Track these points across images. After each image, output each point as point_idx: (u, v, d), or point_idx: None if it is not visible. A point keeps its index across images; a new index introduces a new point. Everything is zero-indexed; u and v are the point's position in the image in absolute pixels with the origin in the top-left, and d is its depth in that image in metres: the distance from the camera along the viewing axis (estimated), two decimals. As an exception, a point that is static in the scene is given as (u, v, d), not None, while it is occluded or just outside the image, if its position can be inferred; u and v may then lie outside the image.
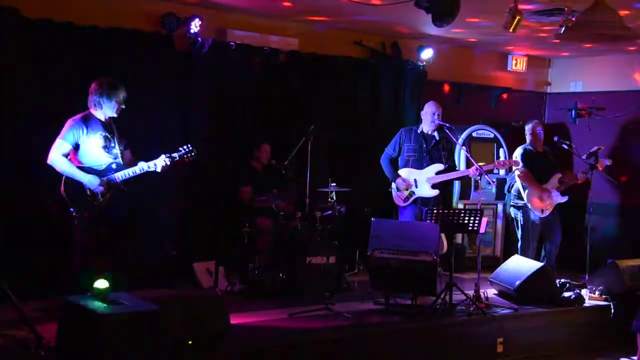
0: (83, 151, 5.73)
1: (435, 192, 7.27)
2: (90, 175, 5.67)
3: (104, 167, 5.77)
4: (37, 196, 6.37)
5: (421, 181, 7.23)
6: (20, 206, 6.41)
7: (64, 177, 5.68)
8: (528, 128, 8.13)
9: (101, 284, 4.80)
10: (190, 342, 4.89)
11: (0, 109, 6.30)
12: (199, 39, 7.31)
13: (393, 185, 7.37)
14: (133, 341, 4.46)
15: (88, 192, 5.68)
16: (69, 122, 5.71)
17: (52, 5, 6.57)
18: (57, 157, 5.65)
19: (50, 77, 6.53)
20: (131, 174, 5.80)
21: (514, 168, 8.03)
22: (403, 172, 7.31)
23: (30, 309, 5.46)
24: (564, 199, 7.95)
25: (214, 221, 7.51)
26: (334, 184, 7.43)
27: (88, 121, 5.74)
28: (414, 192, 7.23)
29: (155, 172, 5.85)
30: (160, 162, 5.81)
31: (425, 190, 7.24)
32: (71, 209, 5.68)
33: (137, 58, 7.00)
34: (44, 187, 6.19)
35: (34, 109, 6.45)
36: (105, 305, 4.57)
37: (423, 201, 7.24)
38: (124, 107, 5.80)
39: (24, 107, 6.43)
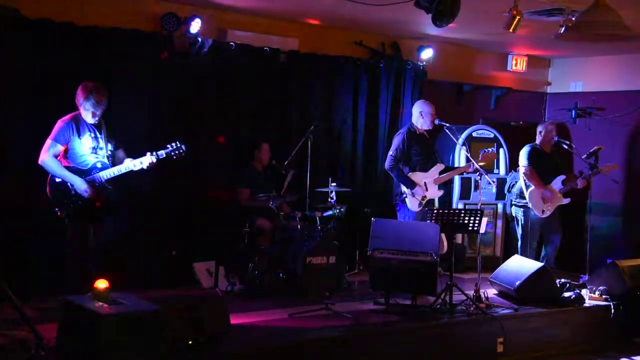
0: (71, 151, 5.79)
1: (441, 192, 7.36)
2: (79, 178, 5.71)
3: (89, 166, 5.81)
4: (36, 196, 6.37)
5: (429, 183, 7.24)
6: (20, 206, 6.41)
7: (49, 177, 5.74)
8: (542, 128, 8.07)
9: (101, 284, 4.81)
10: (190, 342, 4.90)
11: (0, 109, 6.30)
12: (199, 39, 7.31)
13: (407, 190, 7.27)
14: (133, 341, 4.46)
15: (73, 193, 5.72)
16: (59, 123, 5.77)
17: (52, 5, 6.58)
18: (48, 158, 5.72)
19: (50, 77, 6.53)
20: (116, 173, 5.84)
21: (519, 166, 8.02)
22: (414, 177, 7.29)
23: (30, 309, 5.46)
24: (566, 200, 7.94)
25: (214, 221, 7.51)
26: (334, 184, 7.43)
27: (77, 122, 5.80)
28: (426, 196, 7.24)
29: (142, 170, 5.86)
30: (146, 160, 5.82)
31: (434, 192, 7.26)
32: (56, 209, 5.72)
33: (137, 58, 7.00)
34: (43, 187, 6.19)
35: (33, 109, 6.45)
36: (105, 305, 4.58)
37: (430, 202, 7.23)
38: (94, 117, 5.79)
39: (24, 108, 6.43)
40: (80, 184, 5.70)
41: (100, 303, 4.60)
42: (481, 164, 7.15)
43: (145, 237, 7.06)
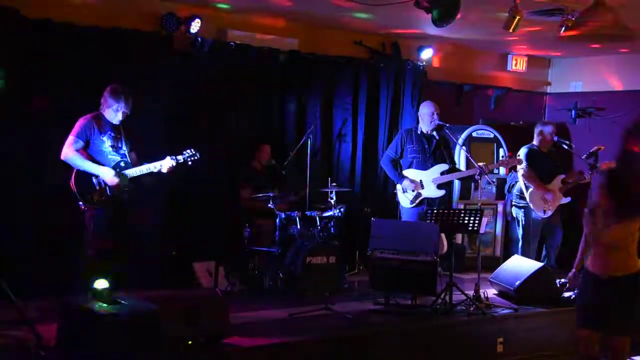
0: (93, 149, 5.85)
1: (442, 192, 7.31)
2: (106, 168, 5.79)
3: (112, 164, 5.88)
4: (37, 195, 6.38)
5: (427, 182, 7.23)
6: (21, 206, 6.41)
7: (74, 171, 5.77)
8: (539, 128, 8.08)
9: (101, 284, 4.81)
10: (190, 342, 4.90)
11: (1, 109, 6.31)
12: (199, 39, 7.31)
13: (398, 186, 7.32)
14: (133, 341, 4.46)
15: (97, 188, 5.77)
16: (81, 121, 5.85)
17: (52, 5, 6.58)
18: (70, 152, 5.78)
19: (50, 77, 6.53)
20: (138, 173, 5.95)
21: (518, 167, 8.03)
22: (408, 173, 7.29)
23: (30, 309, 5.46)
24: (567, 199, 7.94)
25: (214, 221, 7.51)
26: (334, 184, 7.43)
27: (98, 121, 5.88)
28: (420, 193, 7.23)
29: (160, 173, 5.97)
30: (166, 164, 5.95)
31: (432, 191, 7.24)
32: (80, 203, 5.75)
33: (137, 58, 7.00)
34: (44, 186, 6.20)
35: (33, 109, 6.45)
36: (105, 305, 4.58)
37: (429, 202, 7.24)
38: (122, 117, 5.90)
39: (23, 107, 6.43)
40: (108, 174, 5.78)
41: (100, 303, 4.61)
42: (481, 163, 7.14)
43: (146, 237, 7.05)
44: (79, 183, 5.77)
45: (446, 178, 7.30)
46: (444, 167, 7.29)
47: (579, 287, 5.46)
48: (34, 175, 6.38)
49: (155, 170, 5.96)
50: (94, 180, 5.79)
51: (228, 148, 7.74)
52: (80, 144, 5.79)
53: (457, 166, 7.66)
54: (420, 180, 7.23)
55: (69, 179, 5.79)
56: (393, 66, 8.84)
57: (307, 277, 6.80)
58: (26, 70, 6.43)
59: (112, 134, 5.90)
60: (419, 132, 7.37)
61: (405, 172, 7.30)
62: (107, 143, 5.86)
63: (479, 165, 6.94)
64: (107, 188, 5.80)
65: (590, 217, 5.17)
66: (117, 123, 5.92)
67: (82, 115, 5.92)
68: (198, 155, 6.08)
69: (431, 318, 6.29)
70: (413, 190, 7.22)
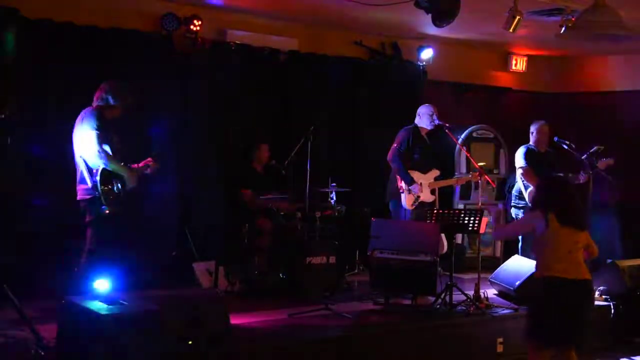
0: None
1: (433, 197, 7.38)
2: (128, 169, 5.65)
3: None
4: (37, 196, 6.38)
5: (424, 185, 7.26)
6: (21, 205, 6.41)
7: (99, 174, 5.50)
8: (534, 128, 8.09)
9: (101, 284, 4.82)
10: (190, 342, 4.89)
11: (1, 109, 6.31)
12: (199, 39, 7.31)
13: (404, 186, 7.30)
14: (133, 341, 4.46)
15: (117, 192, 5.60)
16: (89, 112, 5.61)
17: (52, 5, 6.59)
18: (100, 149, 5.50)
19: (50, 77, 6.53)
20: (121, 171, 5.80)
21: (516, 167, 8.03)
22: (412, 175, 7.29)
23: (30, 309, 5.46)
24: (565, 199, 7.93)
25: (214, 221, 7.50)
26: (334, 184, 7.43)
27: (99, 114, 5.69)
28: (419, 196, 7.26)
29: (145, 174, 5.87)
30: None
31: (427, 195, 7.29)
32: (103, 207, 5.65)
33: (137, 58, 7.01)
34: (44, 185, 6.20)
35: (33, 109, 6.45)
36: (105, 305, 4.58)
37: (423, 205, 7.25)
38: (126, 111, 5.82)
39: (23, 107, 6.43)
40: (131, 176, 5.65)
41: (100, 303, 4.61)
42: (481, 163, 7.17)
43: (146, 238, 7.05)
44: (105, 187, 5.50)
45: (438, 184, 7.37)
46: (437, 173, 7.35)
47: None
48: (34, 175, 6.38)
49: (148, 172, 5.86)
50: (114, 186, 5.58)
51: (228, 148, 7.75)
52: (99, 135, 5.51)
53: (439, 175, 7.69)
54: (420, 183, 7.25)
55: (82, 181, 5.58)
56: (393, 66, 8.84)
57: (307, 277, 6.79)
58: (26, 70, 6.44)
59: (113, 130, 5.78)
60: (422, 133, 7.37)
61: (410, 174, 7.29)
62: (106, 137, 5.64)
63: (478, 167, 6.97)
64: (123, 192, 5.65)
65: None
66: (115, 117, 5.75)
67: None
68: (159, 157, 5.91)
69: (431, 318, 6.29)
70: (416, 193, 7.24)
